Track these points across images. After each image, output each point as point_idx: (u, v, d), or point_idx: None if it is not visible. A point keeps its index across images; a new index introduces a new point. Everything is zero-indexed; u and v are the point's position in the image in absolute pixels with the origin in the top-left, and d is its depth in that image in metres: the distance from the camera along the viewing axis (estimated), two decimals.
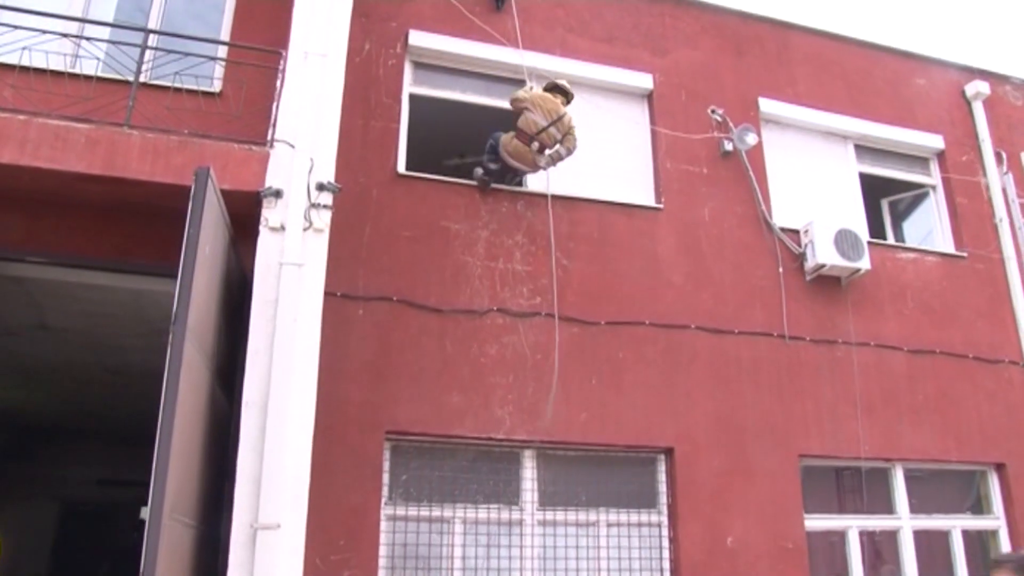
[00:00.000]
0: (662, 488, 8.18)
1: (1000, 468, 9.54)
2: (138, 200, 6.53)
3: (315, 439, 5.84)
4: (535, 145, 7.92)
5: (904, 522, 9.04)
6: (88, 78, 6.93)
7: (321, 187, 6.38)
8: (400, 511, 7.36)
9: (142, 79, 6.92)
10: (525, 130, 7.90)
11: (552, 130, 7.91)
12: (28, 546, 14.42)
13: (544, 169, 8.20)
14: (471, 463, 7.68)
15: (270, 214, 6.25)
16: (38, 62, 6.56)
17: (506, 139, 8.00)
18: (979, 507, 9.60)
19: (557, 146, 8.02)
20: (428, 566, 7.33)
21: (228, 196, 6.09)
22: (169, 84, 7.00)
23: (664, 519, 8.09)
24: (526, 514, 7.64)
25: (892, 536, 9.01)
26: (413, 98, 8.67)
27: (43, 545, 14.83)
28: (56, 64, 6.94)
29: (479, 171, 8.27)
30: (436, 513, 7.44)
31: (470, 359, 7.76)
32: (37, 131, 6.05)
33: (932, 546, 9.18)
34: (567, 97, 8.23)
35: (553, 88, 8.21)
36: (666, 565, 7.95)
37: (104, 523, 14.98)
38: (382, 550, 7.16)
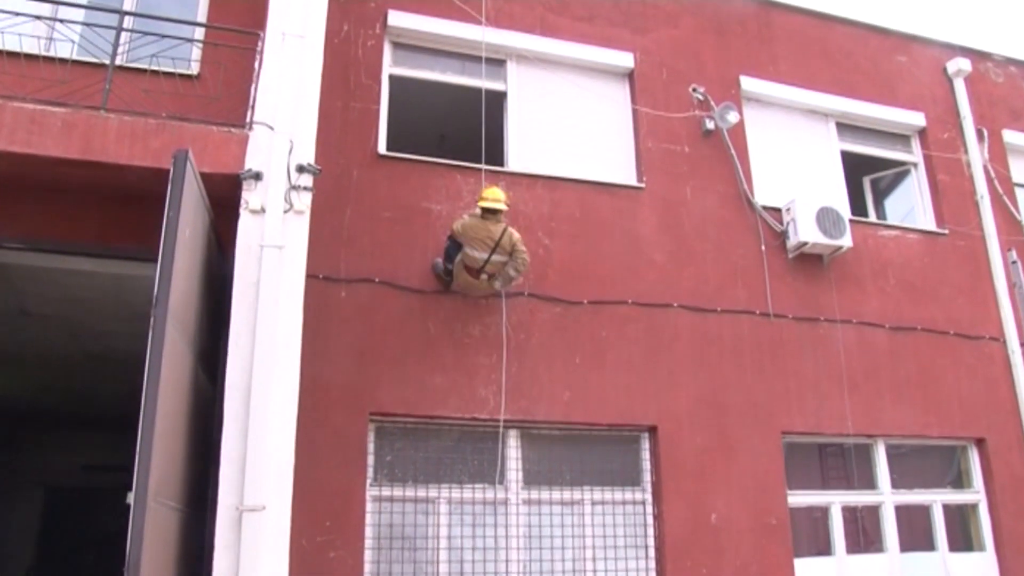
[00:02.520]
0: (646, 466, 8.23)
1: (980, 443, 9.64)
2: (117, 184, 6.49)
3: (299, 421, 5.84)
4: (484, 276, 7.53)
5: (886, 497, 9.13)
6: (63, 61, 6.84)
7: (301, 169, 6.34)
8: (385, 492, 7.38)
9: (118, 62, 6.85)
10: (470, 265, 7.47)
11: (495, 257, 7.43)
12: (14, 532, 14.39)
13: (500, 290, 7.77)
14: (455, 443, 7.70)
15: (250, 196, 6.21)
16: (11, 45, 6.49)
17: (457, 270, 7.57)
18: (959, 482, 9.71)
19: (509, 270, 7.55)
20: (414, 546, 7.36)
21: (207, 179, 6.05)
22: (146, 67, 6.92)
23: (648, 497, 8.14)
24: (510, 493, 7.67)
25: (874, 511, 9.10)
26: (393, 79, 8.63)
27: (29, 531, 14.80)
28: (30, 47, 6.88)
29: (439, 263, 7.84)
30: (421, 493, 7.47)
31: (453, 340, 7.77)
32: (12, 115, 5.99)
33: (913, 520, 9.27)
34: (500, 211, 7.47)
35: (484, 210, 7.44)
36: (650, 542, 8.01)
37: (89, 509, 14.94)
38: (368, 531, 7.19)
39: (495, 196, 7.47)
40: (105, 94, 6.42)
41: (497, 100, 8.89)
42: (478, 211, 7.50)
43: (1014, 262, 9.28)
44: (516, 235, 7.52)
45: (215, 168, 6.21)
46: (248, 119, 6.56)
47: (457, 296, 7.82)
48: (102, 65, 6.78)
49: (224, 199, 6.31)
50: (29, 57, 6.79)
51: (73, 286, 8.28)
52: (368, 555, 7.15)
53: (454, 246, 7.53)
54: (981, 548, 9.40)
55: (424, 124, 9.65)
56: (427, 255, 7.93)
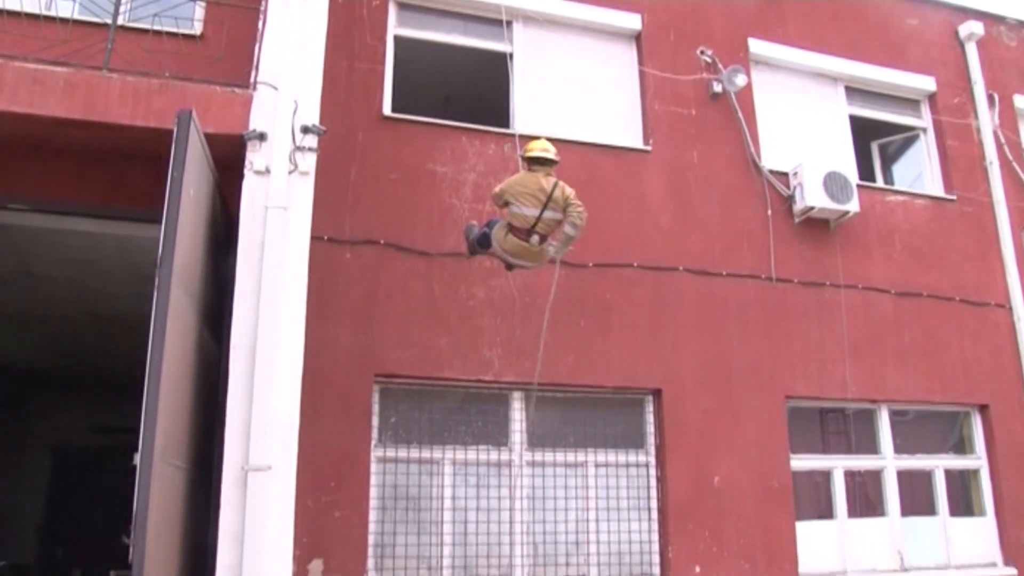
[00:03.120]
0: (650, 429, 8.27)
1: (983, 409, 9.65)
2: (120, 145, 6.47)
3: (304, 382, 5.85)
4: (535, 238, 6.57)
5: (888, 462, 9.17)
6: (64, 21, 6.79)
7: (306, 130, 6.30)
8: (390, 453, 7.43)
9: (120, 21, 6.78)
10: (519, 226, 6.56)
11: (548, 214, 6.53)
12: (23, 492, 14.53)
13: (556, 258, 6.92)
14: (460, 405, 7.74)
15: (254, 157, 6.18)
16: (12, 4, 6.44)
17: (500, 234, 6.65)
18: (961, 447, 9.74)
19: (566, 227, 6.61)
20: (418, 506, 7.42)
21: (211, 139, 6.02)
22: (148, 26, 6.87)
23: (651, 459, 8.18)
24: (515, 455, 7.71)
25: (876, 476, 9.14)
26: (398, 40, 8.56)
27: (38, 492, 14.93)
28: (31, 6, 6.83)
29: (473, 229, 7.16)
30: (425, 455, 7.51)
31: (458, 302, 7.77)
32: (13, 75, 5.95)
33: (915, 485, 9.32)
34: (551, 163, 6.76)
35: (531, 160, 6.75)
36: (653, 504, 8.06)
37: (97, 469, 15.06)
38: (372, 491, 7.24)
39: (543, 145, 6.78)
40: (107, 54, 6.37)
41: (503, 62, 8.82)
42: (519, 174, 6.84)
43: None
44: (569, 189, 6.65)
45: (219, 129, 6.17)
46: (252, 79, 6.51)
47: (461, 258, 7.80)
48: (104, 24, 6.72)
49: (228, 160, 6.28)
50: (30, 16, 6.75)
51: (78, 247, 8.29)
52: (373, 515, 7.22)
53: (487, 237, 6.78)
54: (981, 513, 9.45)
55: (430, 85, 9.57)
56: (432, 217, 7.91)
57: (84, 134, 6.28)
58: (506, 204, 6.65)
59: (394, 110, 8.21)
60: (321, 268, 6.91)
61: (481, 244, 6.91)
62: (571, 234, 6.64)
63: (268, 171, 6.13)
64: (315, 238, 6.29)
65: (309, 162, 6.26)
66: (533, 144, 6.82)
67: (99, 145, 6.49)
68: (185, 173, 5.24)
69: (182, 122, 5.37)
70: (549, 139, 8.37)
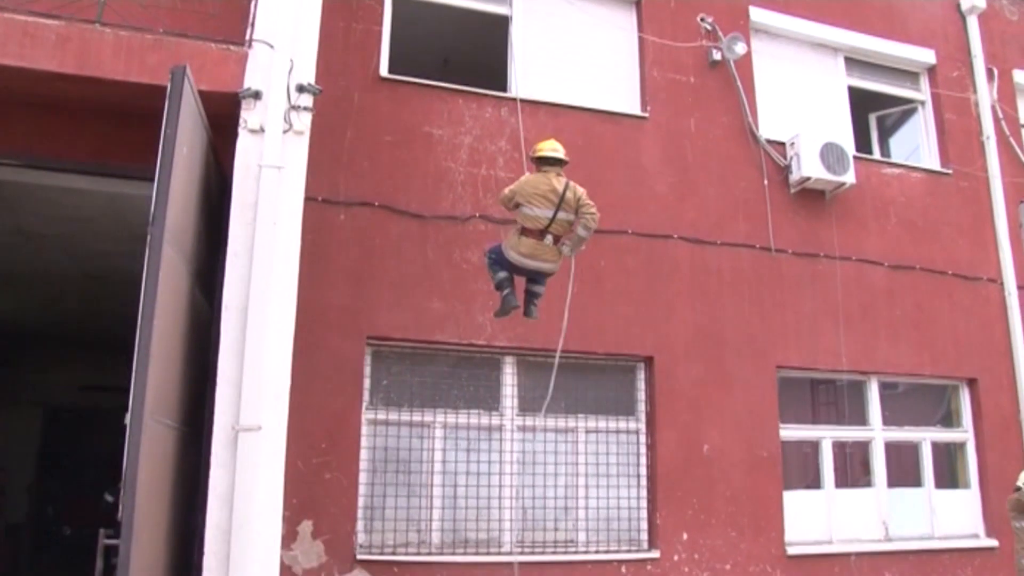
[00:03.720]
0: (641, 396, 8.30)
1: (972, 383, 9.72)
2: (113, 101, 6.38)
3: (296, 344, 5.84)
4: (549, 238, 6.37)
5: (876, 433, 9.24)
6: None
7: (301, 89, 6.23)
8: (381, 415, 7.45)
9: None
10: (532, 228, 6.36)
11: (561, 215, 6.32)
12: (14, 450, 14.54)
13: (570, 257, 6.68)
14: (452, 369, 7.75)
15: (249, 116, 6.11)
16: None
17: (512, 242, 6.46)
18: (949, 420, 9.81)
19: (579, 229, 6.43)
20: (408, 469, 7.46)
21: (206, 97, 5.93)
22: None
23: (642, 426, 8.22)
24: (506, 419, 7.73)
25: (864, 447, 9.21)
26: (397, 0, 8.45)
27: (29, 449, 14.95)
28: None
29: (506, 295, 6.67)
30: (417, 418, 7.54)
31: (452, 265, 7.76)
32: (3, 27, 5.83)
33: (902, 457, 9.39)
34: (561, 163, 6.52)
35: (540, 160, 6.53)
36: (643, 471, 8.11)
37: (88, 428, 15.07)
38: (363, 453, 7.28)
39: (553, 145, 6.54)
40: (100, 7, 6.26)
41: (502, 25, 8.73)
42: (527, 176, 6.61)
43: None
44: (581, 189, 6.45)
45: (213, 86, 6.09)
46: (248, 37, 6.42)
47: (457, 221, 7.78)
48: None
49: (223, 118, 6.21)
50: None
51: (70, 205, 8.22)
52: (363, 477, 7.25)
53: (498, 264, 6.58)
54: (966, 485, 9.55)
55: (428, 48, 9.48)
56: (427, 180, 7.88)
57: (76, 89, 6.20)
58: (517, 206, 6.43)
59: (391, 71, 8.14)
60: (315, 229, 6.88)
61: (500, 285, 6.61)
62: (583, 235, 6.47)
63: (262, 130, 6.07)
64: (309, 199, 6.25)
65: (304, 121, 6.19)
66: (542, 144, 6.60)
67: (92, 100, 6.41)
68: (179, 131, 5.18)
69: (176, 79, 5.29)
70: (546, 103, 8.38)
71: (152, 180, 5.11)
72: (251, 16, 6.54)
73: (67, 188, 7.47)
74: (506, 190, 6.58)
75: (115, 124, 6.61)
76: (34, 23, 5.92)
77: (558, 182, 6.37)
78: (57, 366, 15.00)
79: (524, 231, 6.41)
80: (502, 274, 6.60)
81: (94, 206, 8.21)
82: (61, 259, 10.25)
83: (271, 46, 6.26)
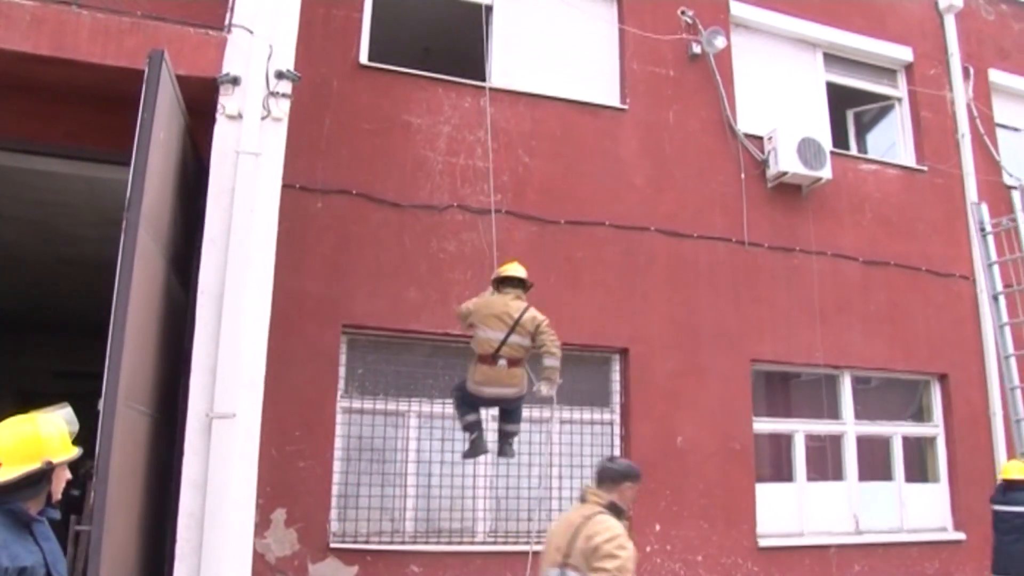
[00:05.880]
0: (615, 387, 8.34)
1: (943, 378, 9.82)
2: (90, 84, 6.32)
3: (272, 331, 5.83)
4: (502, 362, 6.10)
5: (848, 427, 9.33)
6: None
7: (280, 75, 6.20)
8: (356, 404, 7.45)
9: None
10: (483, 352, 6.15)
11: (514, 339, 6.09)
12: None
13: (548, 395, 6.30)
14: (427, 358, 7.75)
15: (227, 101, 6.07)
16: None
17: (469, 372, 6.31)
18: (920, 415, 9.92)
19: (546, 360, 6.17)
20: (383, 458, 7.47)
21: (183, 82, 5.90)
22: None
23: (616, 417, 8.27)
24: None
25: (836, 440, 9.30)
26: None
27: None
28: None
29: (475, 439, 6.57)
30: (391, 407, 7.55)
31: (429, 255, 7.76)
32: None
33: (873, 451, 9.49)
34: (522, 285, 6.36)
35: (501, 281, 6.38)
36: None
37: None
38: (337, 442, 7.28)
39: (515, 266, 6.43)
40: None
41: (483, 14, 8.69)
42: (488, 292, 6.49)
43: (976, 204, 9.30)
44: (541, 316, 6.20)
45: (191, 71, 6.05)
46: (227, 22, 6.37)
47: (434, 211, 7.79)
48: None
49: (200, 104, 6.17)
50: None
51: (44, 188, 8.14)
52: (337, 466, 7.26)
53: (464, 402, 6.44)
54: (935, 479, 9.67)
55: (408, 36, 9.45)
56: (405, 168, 7.86)
57: (52, 71, 6.13)
58: (471, 326, 6.28)
59: (371, 59, 8.10)
60: (292, 216, 6.85)
61: (469, 428, 6.50)
62: (554, 365, 6.20)
63: (240, 116, 6.04)
64: (286, 186, 6.23)
65: (282, 108, 6.17)
66: (505, 266, 6.48)
67: (67, 83, 6.34)
68: (155, 115, 5.15)
69: (153, 63, 5.26)
70: (526, 94, 8.37)
71: (128, 165, 5.08)
72: (230, 1, 6.49)
73: (42, 171, 7.39)
74: (463, 306, 6.45)
75: (91, 107, 6.54)
76: (8, 3, 5.86)
77: (515, 305, 6.19)
78: (31, 351, 14.87)
79: (478, 358, 6.20)
80: (470, 417, 6.45)
81: (69, 190, 8.15)
82: (35, 243, 10.16)
83: (250, 31, 6.23)
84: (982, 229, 8.91)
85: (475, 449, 6.54)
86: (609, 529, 4.22)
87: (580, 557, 4.20)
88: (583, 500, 4.54)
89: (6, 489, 3.12)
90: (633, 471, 4.62)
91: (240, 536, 5.47)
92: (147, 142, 5.06)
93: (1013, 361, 8.57)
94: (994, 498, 7.71)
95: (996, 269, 8.85)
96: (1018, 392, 8.50)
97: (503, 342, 6.06)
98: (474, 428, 6.49)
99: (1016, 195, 9.09)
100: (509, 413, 6.57)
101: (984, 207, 9.03)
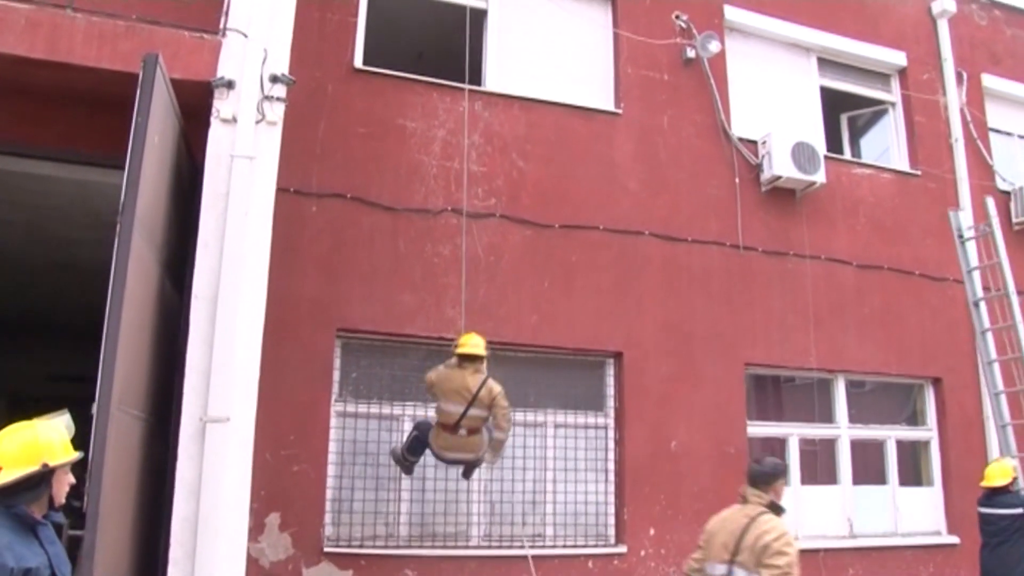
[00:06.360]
0: (610, 391, 8.34)
1: (937, 382, 9.85)
2: (84, 87, 6.30)
3: (266, 335, 5.81)
4: (463, 431, 6.65)
5: (843, 431, 9.34)
6: None
7: (275, 79, 6.19)
8: (350, 408, 7.44)
9: None
10: (445, 422, 6.66)
11: (473, 411, 6.59)
12: None
13: (492, 462, 7.09)
14: (421, 362, 7.73)
15: (222, 105, 6.06)
16: None
17: (433, 433, 6.77)
18: (914, 419, 9.94)
19: (495, 434, 6.80)
20: (377, 462, 7.46)
21: (178, 86, 5.89)
22: None
23: (611, 422, 8.27)
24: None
25: (830, 444, 9.31)
26: None
27: None
28: None
29: (397, 451, 7.12)
30: (386, 411, 7.54)
31: (423, 259, 7.76)
32: None
33: (867, 455, 9.51)
34: (479, 358, 6.73)
35: (461, 356, 6.74)
36: (611, 467, 8.16)
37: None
38: (332, 446, 7.27)
39: (473, 342, 6.75)
40: None
41: (478, 18, 8.72)
42: (454, 361, 6.80)
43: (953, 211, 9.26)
44: (497, 388, 6.70)
45: (186, 75, 6.04)
46: (221, 25, 6.35)
47: (429, 215, 7.79)
48: None
49: (195, 107, 6.15)
50: None
51: (37, 191, 8.11)
52: (331, 470, 7.25)
53: (419, 441, 6.87)
54: (929, 483, 9.69)
55: (403, 40, 9.45)
56: (400, 172, 7.86)
57: (46, 74, 6.11)
58: (435, 397, 6.78)
59: (366, 63, 8.11)
60: (286, 220, 6.85)
61: (412, 451, 6.96)
62: (501, 438, 6.82)
63: (235, 120, 6.02)
64: (281, 190, 6.22)
65: (277, 112, 6.15)
66: (463, 339, 6.81)
67: (62, 86, 6.32)
68: (150, 119, 5.14)
69: (148, 66, 5.25)
70: (520, 98, 8.38)
71: (122, 168, 5.06)
72: (225, 4, 6.48)
73: (35, 174, 7.36)
74: (431, 374, 6.84)
75: (85, 111, 6.52)
76: (3, 6, 5.83)
77: (473, 379, 6.61)
78: (24, 355, 14.80)
79: (441, 425, 6.70)
80: (412, 459, 7.00)
81: (62, 193, 8.11)
82: (28, 246, 10.12)
83: (245, 35, 6.21)
84: (960, 236, 8.90)
85: (404, 471, 7.18)
86: (776, 528, 4.65)
87: (749, 555, 4.63)
88: (744, 501, 4.95)
89: (7, 492, 3.23)
90: (780, 468, 5.10)
91: (234, 540, 5.45)
92: (141, 146, 5.05)
93: (996, 367, 8.55)
94: (980, 501, 7.72)
95: (976, 275, 8.83)
96: (1002, 397, 8.49)
97: (463, 415, 6.58)
98: (409, 470, 7.14)
99: (990, 201, 9.11)
100: (468, 469, 7.14)
101: (961, 214, 9.03)
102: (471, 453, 6.82)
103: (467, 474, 7.20)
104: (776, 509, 4.86)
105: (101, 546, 4.50)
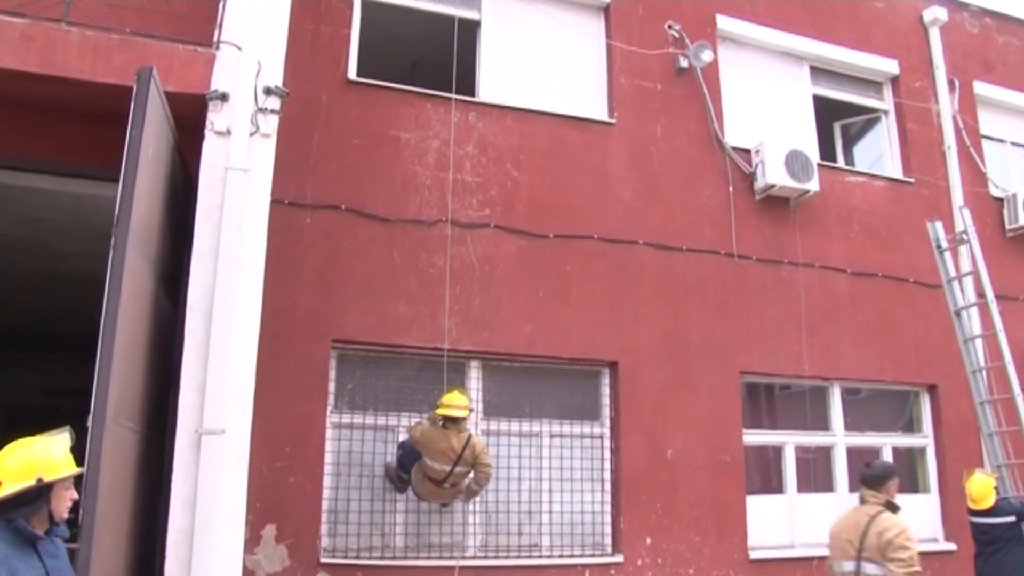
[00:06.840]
0: (605, 401, 8.34)
1: (932, 389, 9.86)
2: (79, 101, 6.34)
3: (261, 347, 5.83)
4: (446, 485, 6.92)
5: (839, 439, 9.35)
6: None
7: (269, 91, 6.22)
8: (345, 419, 7.44)
9: None
10: (432, 478, 6.89)
11: (459, 469, 6.85)
12: None
13: (465, 503, 7.49)
14: (417, 372, 7.74)
15: (216, 118, 6.09)
16: None
17: (417, 477, 6.99)
18: (910, 426, 9.95)
19: (472, 485, 7.09)
20: (372, 473, 7.45)
21: (172, 98, 5.92)
22: None
23: (606, 431, 8.27)
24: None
25: (826, 452, 9.32)
26: (365, 3, 8.44)
27: None
28: None
29: (391, 467, 7.33)
30: (381, 422, 7.54)
31: (418, 269, 7.76)
32: None
33: (864, 461, 9.48)
34: (461, 419, 6.93)
35: (443, 418, 6.89)
36: (607, 476, 8.16)
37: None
38: (327, 457, 7.25)
39: (457, 403, 6.90)
40: (66, 6, 6.21)
41: (471, 29, 8.75)
42: (439, 418, 6.93)
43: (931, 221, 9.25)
44: (480, 445, 6.98)
45: (180, 87, 6.08)
46: (215, 38, 6.39)
47: (423, 225, 7.81)
48: None
49: (189, 120, 6.19)
50: None
51: (32, 204, 8.12)
52: (327, 481, 7.23)
53: (409, 455, 7.02)
54: (926, 490, 9.68)
55: (396, 51, 9.49)
56: (394, 183, 7.87)
57: (40, 88, 6.14)
58: (420, 452, 6.93)
59: (359, 75, 8.13)
60: (281, 232, 6.87)
61: (404, 469, 7.11)
62: (476, 490, 7.17)
63: (229, 132, 6.05)
64: (276, 201, 6.25)
65: (271, 124, 6.19)
66: (447, 399, 6.95)
67: (56, 100, 6.35)
68: (144, 132, 5.17)
69: (142, 79, 5.28)
70: (514, 108, 8.40)
71: (117, 181, 5.09)
72: (219, 17, 6.51)
73: (29, 188, 7.38)
74: (415, 432, 7.00)
75: (80, 124, 6.55)
76: None
77: (457, 439, 6.85)
78: (19, 368, 14.78)
79: (428, 478, 6.92)
80: (405, 476, 7.14)
81: (57, 206, 8.13)
82: (23, 259, 10.13)
83: (239, 48, 6.25)
84: (938, 246, 8.90)
85: (398, 489, 7.42)
86: (896, 525, 5.28)
87: (874, 550, 5.25)
88: (863, 501, 5.63)
89: (5, 506, 3.32)
90: (891, 469, 5.86)
91: (230, 553, 5.45)
92: (136, 158, 5.07)
93: (980, 376, 8.56)
94: (971, 511, 7.73)
95: (956, 285, 8.84)
96: (987, 407, 8.49)
97: (450, 472, 6.85)
98: (402, 488, 7.33)
99: (965, 212, 9.15)
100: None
101: (939, 224, 9.02)
102: (454, 498, 7.28)
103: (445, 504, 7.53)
104: (892, 507, 5.45)
105: (96, 559, 4.50)
